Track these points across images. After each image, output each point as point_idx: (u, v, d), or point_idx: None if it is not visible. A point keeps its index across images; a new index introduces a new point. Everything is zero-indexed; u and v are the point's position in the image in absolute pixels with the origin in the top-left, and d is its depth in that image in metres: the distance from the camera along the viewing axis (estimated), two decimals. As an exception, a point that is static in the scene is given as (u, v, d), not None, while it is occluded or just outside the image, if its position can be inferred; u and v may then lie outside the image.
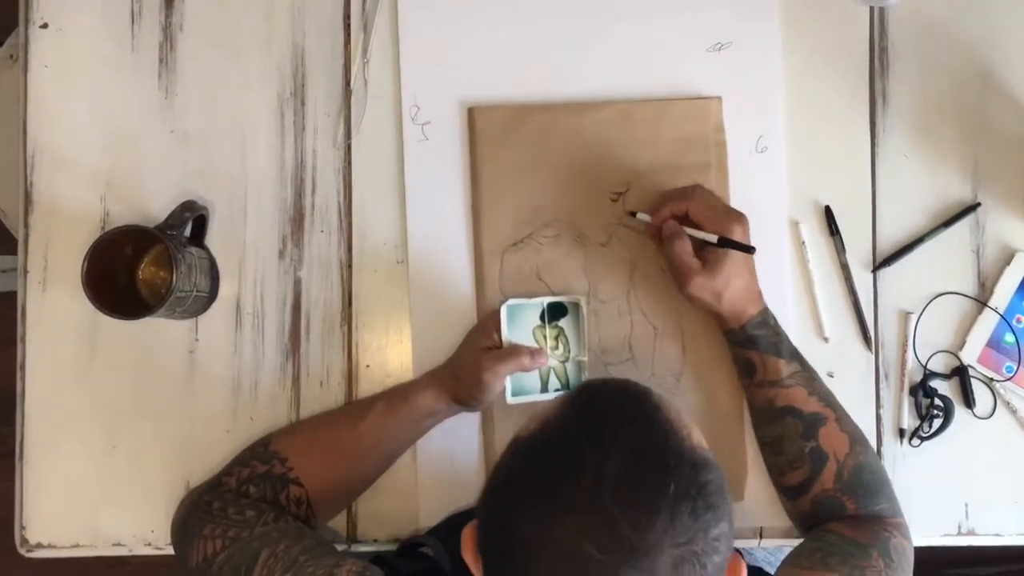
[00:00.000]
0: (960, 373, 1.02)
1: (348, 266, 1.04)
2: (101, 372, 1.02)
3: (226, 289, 1.03)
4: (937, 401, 1.01)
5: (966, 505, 1.02)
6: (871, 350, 1.03)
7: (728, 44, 1.04)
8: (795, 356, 0.96)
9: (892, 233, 1.04)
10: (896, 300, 1.03)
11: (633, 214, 0.99)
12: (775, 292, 1.01)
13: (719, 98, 1.03)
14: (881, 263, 1.03)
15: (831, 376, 1.02)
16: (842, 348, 1.03)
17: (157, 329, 1.02)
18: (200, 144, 1.04)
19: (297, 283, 1.03)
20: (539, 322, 0.97)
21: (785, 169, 1.04)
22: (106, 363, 1.02)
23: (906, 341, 1.03)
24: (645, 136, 1.02)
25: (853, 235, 1.03)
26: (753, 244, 0.92)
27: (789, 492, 0.96)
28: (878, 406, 1.03)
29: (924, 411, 1.01)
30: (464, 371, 0.94)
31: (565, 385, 0.98)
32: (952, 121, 1.04)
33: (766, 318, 0.96)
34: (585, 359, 0.99)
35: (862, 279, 1.03)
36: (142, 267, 1.02)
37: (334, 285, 1.03)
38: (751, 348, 0.95)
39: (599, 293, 1.02)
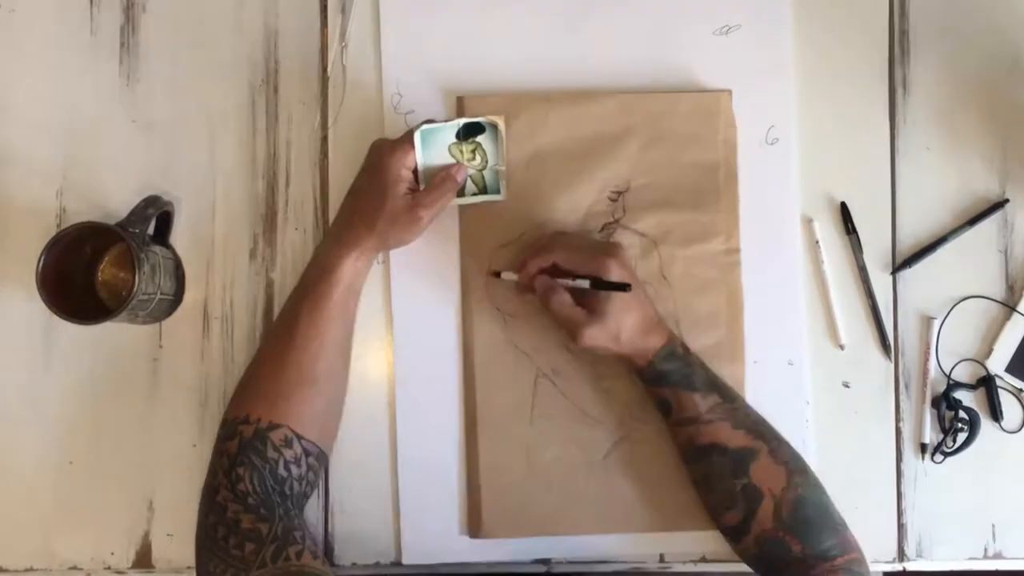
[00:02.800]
0: (986, 383, 1.01)
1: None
2: (57, 381, 1.01)
3: (193, 292, 1.02)
4: (962, 414, 1.00)
5: (993, 526, 1.01)
6: (890, 358, 1.02)
7: (736, 27, 1.04)
8: (713, 386, 0.94)
9: (913, 232, 1.03)
10: (917, 304, 1.03)
11: (497, 274, 0.98)
12: (786, 295, 1.01)
13: (729, 91, 1.02)
14: (901, 264, 1.03)
15: (847, 386, 1.02)
16: (859, 356, 1.02)
17: (118, 335, 1.01)
18: (165, 135, 1.03)
19: (269, 285, 1.02)
20: (455, 140, 0.97)
21: (797, 163, 1.03)
22: (62, 371, 1.01)
23: (928, 349, 1.02)
24: (648, 131, 1.02)
25: (871, 234, 1.03)
26: (628, 280, 0.92)
27: (729, 533, 0.94)
28: (898, 419, 1.02)
29: (947, 424, 1.01)
30: (394, 219, 0.94)
31: (482, 190, 1.00)
32: (978, 111, 1.04)
33: (673, 349, 0.94)
34: (503, 168, 0.99)
35: (881, 281, 1.03)
36: (101, 268, 1.01)
37: None
38: (663, 384, 0.94)
39: None
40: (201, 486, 0.91)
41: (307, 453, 0.92)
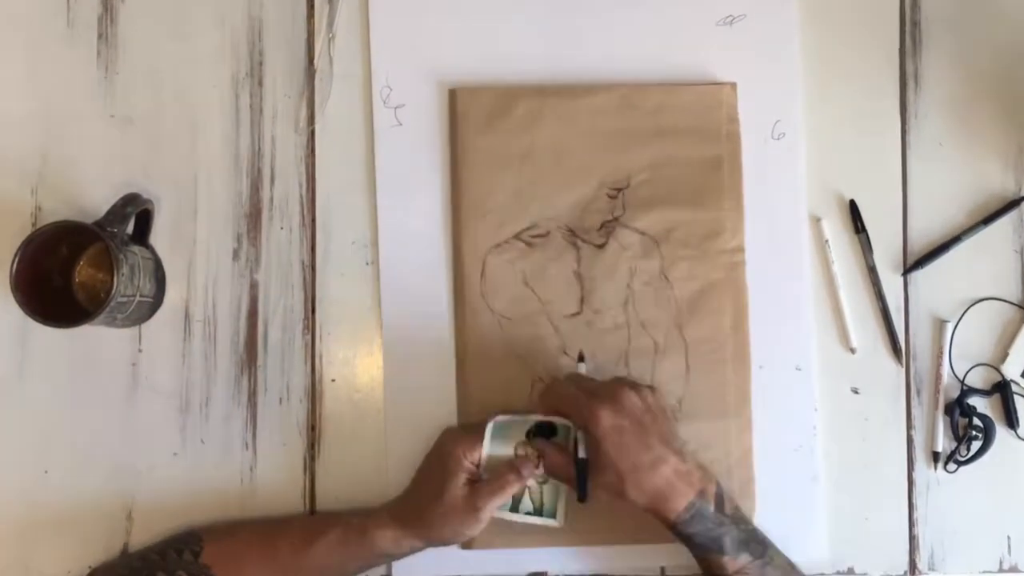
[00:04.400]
0: (1002, 389, 1.01)
1: (311, 268, 1.02)
2: (32, 386, 1.01)
3: (173, 293, 1.02)
4: (976, 421, 1.00)
5: (1008, 538, 1.01)
6: (901, 363, 1.02)
7: (740, 17, 1.03)
8: (744, 545, 0.90)
9: (925, 231, 1.03)
10: (930, 306, 1.03)
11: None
12: (793, 297, 1.02)
13: (733, 84, 1.02)
14: (913, 265, 1.03)
15: (856, 392, 1.01)
16: (869, 360, 1.02)
17: (95, 338, 1.00)
18: (144, 130, 1.03)
19: (254, 287, 1.02)
20: (524, 438, 0.94)
21: (805, 159, 1.03)
22: (37, 376, 1.01)
23: (941, 353, 1.02)
24: (648, 125, 1.02)
25: (881, 233, 1.03)
26: (585, 456, 0.89)
27: None
28: (909, 426, 1.02)
29: (961, 432, 1.01)
30: (451, 512, 0.91)
31: (538, 510, 0.95)
32: (993, 104, 1.04)
33: (703, 506, 0.89)
34: (565, 486, 0.94)
35: (891, 283, 1.03)
36: (79, 268, 1.00)
37: (295, 289, 1.02)
38: (690, 544, 0.90)
39: (593, 302, 1.01)
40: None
41: None
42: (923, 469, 1.01)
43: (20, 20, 1.03)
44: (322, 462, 1.00)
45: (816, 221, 1.02)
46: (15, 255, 0.92)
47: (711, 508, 0.89)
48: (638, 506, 0.89)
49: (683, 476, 0.89)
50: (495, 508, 0.91)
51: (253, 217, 1.02)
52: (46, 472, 1.00)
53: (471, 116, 1.01)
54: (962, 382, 1.01)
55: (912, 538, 1.01)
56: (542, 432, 0.94)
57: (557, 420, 0.93)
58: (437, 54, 1.02)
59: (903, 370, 1.02)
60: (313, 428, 1.01)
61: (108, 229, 0.94)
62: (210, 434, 1.00)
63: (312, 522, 0.97)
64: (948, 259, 1.02)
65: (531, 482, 0.94)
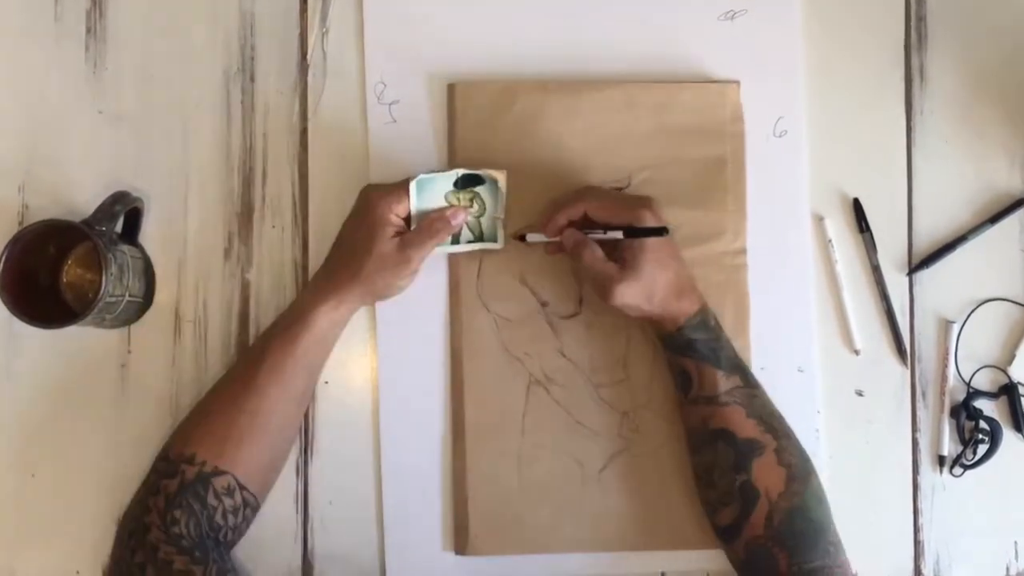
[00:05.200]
0: (1009, 392, 1.01)
1: (304, 267, 1.02)
2: (19, 389, 1.00)
3: (163, 293, 1.02)
4: (982, 424, 1.00)
5: (1016, 544, 1.02)
6: (906, 365, 1.02)
7: (742, 12, 1.03)
8: (736, 367, 0.94)
9: (931, 230, 1.03)
10: (935, 307, 1.03)
11: (522, 237, 0.98)
12: (796, 297, 1.02)
13: (737, 83, 1.02)
14: (918, 264, 1.03)
15: (860, 394, 1.02)
16: (873, 362, 1.02)
17: (84, 339, 1.00)
18: (134, 126, 1.02)
19: (245, 287, 1.02)
20: (452, 188, 0.97)
21: (807, 156, 1.03)
22: (24, 378, 1.00)
23: (946, 354, 1.02)
24: (651, 123, 1.02)
25: (886, 232, 1.03)
26: (666, 225, 0.92)
27: (721, 533, 0.93)
28: (914, 429, 1.02)
29: (967, 435, 1.01)
30: (382, 262, 0.93)
31: (478, 237, 0.99)
32: (1001, 100, 1.04)
33: (705, 317, 0.94)
34: (502, 217, 0.99)
35: (896, 283, 1.03)
36: (66, 268, 1.00)
37: (288, 289, 1.01)
38: (688, 355, 0.94)
39: (592, 304, 1.00)
40: None
41: (246, 504, 0.92)
42: (928, 473, 1.01)
43: (6, 14, 1.02)
44: (315, 465, 0.99)
45: (819, 220, 1.02)
46: (1, 255, 0.91)
47: (712, 321, 0.94)
48: (654, 311, 0.92)
49: (693, 286, 0.95)
50: (425, 255, 0.94)
51: (245, 215, 1.02)
52: (33, 476, 1.00)
53: (469, 112, 1.00)
54: (968, 384, 1.01)
55: (917, 544, 1.01)
56: (467, 184, 0.97)
57: (483, 172, 0.97)
58: (433, 49, 1.02)
59: (908, 372, 1.02)
60: (306, 431, 1.00)
61: (96, 228, 0.94)
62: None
63: (249, 351, 0.98)
64: (954, 259, 1.02)
65: (468, 218, 0.98)
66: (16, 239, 0.92)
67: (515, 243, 0.99)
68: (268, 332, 0.96)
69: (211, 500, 0.90)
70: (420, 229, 0.94)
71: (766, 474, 0.90)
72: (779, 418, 0.94)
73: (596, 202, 0.94)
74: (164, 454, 0.93)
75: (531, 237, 0.97)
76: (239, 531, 0.93)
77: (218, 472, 0.90)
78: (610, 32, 1.03)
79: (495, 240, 0.99)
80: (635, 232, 0.91)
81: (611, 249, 0.93)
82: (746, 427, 0.92)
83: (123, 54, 1.02)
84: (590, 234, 0.93)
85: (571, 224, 0.95)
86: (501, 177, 0.98)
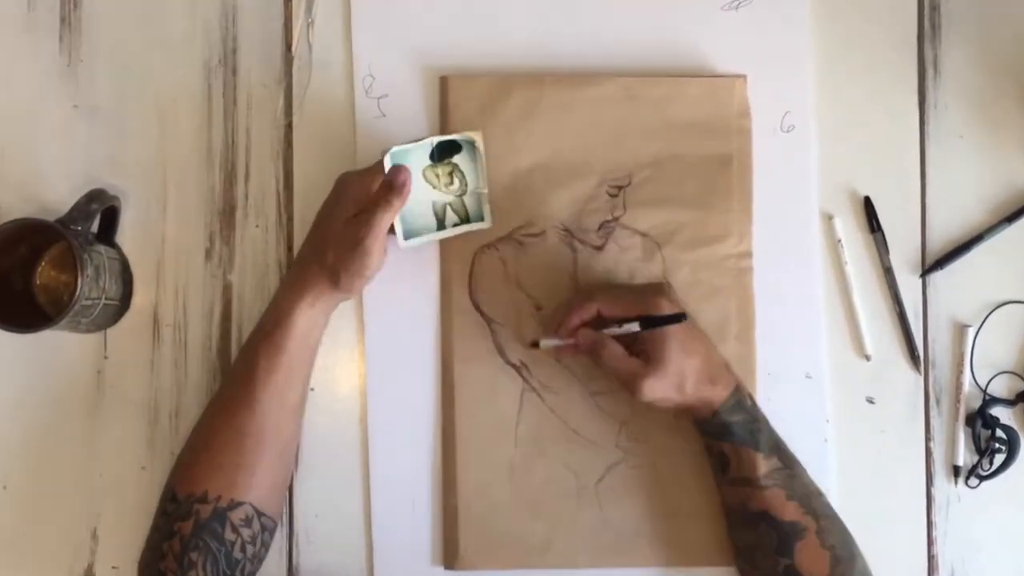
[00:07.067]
0: None
1: (288, 268, 1.02)
2: None
3: (141, 296, 1.02)
4: (999, 432, 1.00)
5: None
6: (920, 371, 1.02)
7: (747, 1, 1.03)
8: (775, 448, 0.94)
9: (945, 230, 1.03)
10: (950, 310, 1.03)
11: (535, 344, 0.97)
12: (804, 300, 1.02)
13: (743, 77, 1.02)
14: (932, 266, 1.02)
15: (871, 402, 1.02)
16: (885, 368, 1.02)
17: (58, 344, 1.00)
18: (110, 121, 1.03)
19: (227, 289, 1.02)
20: (429, 162, 0.97)
21: (816, 153, 1.03)
22: None
23: (962, 360, 1.02)
24: (653, 119, 1.01)
25: (898, 232, 1.03)
26: (682, 311, 0.92)
27: None
28: (928, 438, 1.02)
29: (983, 445, 1.00)
30: (339, 248, 0.91)
31: (464, 219, 0.99)
32: (1018, 94, 1.04)
33: (740, 399, 0.94)
34: (485, 191, 0.99)
35: (909, 285, 1.02)
36: (40, 270, 1.01)
37: (272, 292, 1.01)
38: (726, 439, 0.93)
39: None
40: (147, 517, 0.91)
41: (264, 529, 0.92)
42: (943, 484, 1.01)
43: (-25, 4, 1.03)
44: (300, 475, 0.99)
45: (828, 219, 1.02)
46: (-29, 256, 0.92)
47: (748, 401, 0.94)
48: (687, 401, 0.92)
49: (725, 367, 0.95)
50: (379, 234, 0.90)
51: (227, 214, 1.02)
52: (4, 488, 1.00)
53: (463, 106, 1.01)
54: (984, 391, 1.01)
55: (931, 558, 1.00)
56: (443, 152, 0.97)
57: (457, 136, 0.97)
58: (424, 40, 1.02)
59: (921, 378, 1.02)
60: (291, 440, 1.01)
61: (71, 227, 0.94)
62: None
63: (236, 370, 0.96)
64: (969, 259, 1.02)
65: (450, 197, 0.97)
66: (-14, 240, 0.93)
67: (513, 243, 1.00)
68: (251, 341, 0.95)
69: (228, 535, 0.90)
70: (364, 210, 0.91)
71: (809, 558, 0.91)
72: (819, 497, 0.94)
73: (608, 298, 0.94)
74: (171, 494, 0.92)
75: (544, 343, 0.96)
76: (258, 558, 0.93)
77: (234, 504, 0.90)
78: (610, 23, 1.03)
79: (482, 219, 0.98)
80: (652, 322, 0.91)
81: (630, 343, 0.93)
82: (787, 510, 0.91)
83: (99, 45, 1.03)
84: (606, 331, 0.93)
85: (585, 325, 0.94)
86: (478, 137, 0.97)
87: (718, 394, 0.92)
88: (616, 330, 0.93)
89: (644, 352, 0.92)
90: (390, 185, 0.91)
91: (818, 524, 0.92)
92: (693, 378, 0.91)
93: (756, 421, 0.94)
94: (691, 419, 0.96)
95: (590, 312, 0.94)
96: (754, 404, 0.94)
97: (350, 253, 0.90)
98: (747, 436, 0.93)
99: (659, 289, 0.94)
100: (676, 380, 0.91)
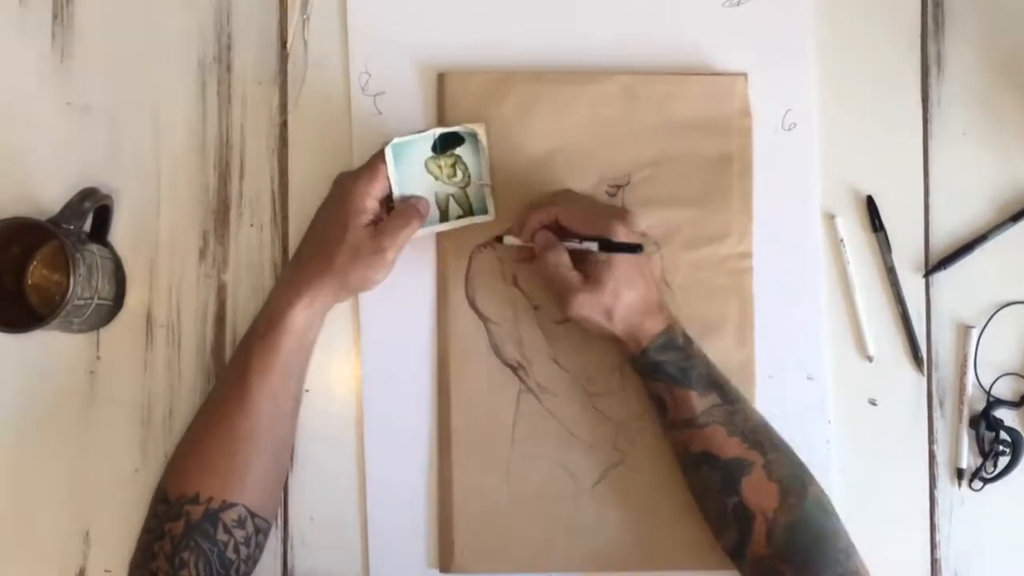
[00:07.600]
0: None
1: (283, 268, 1.01)
2: None
3: (134, 296, 1.02)
4: (1003, 435, 1.00)
5: None
6: (923, 372, 1.02)
7: None
8: (711, 384, 0.94)
9: (949, 229, 1.03)
10: (953, 311, 1.03)
11: (499, 239, 0.98)
12: (805, 301, 1.02)
13: (744, 75, 1.02)
14: (935, 266, 1.02)
15: (873, 404, 1.02)
16: (887, 369, 1.02)
17: (50, 345, 1.00)
18: (103, 119, 1.02)
19: (221, 289, 1.02)
20: (431, 154, 0.98)
21: (818, 151, 1.03)
22: None
23: (965, 361, 1.02)
24: (653, 118, 1.01)
25: (901, 231, 1.03)
26: (640, 241, 0.92)
27: (729, 555, 0.94)
28: (931, 441, 1.02)
29: (987, 447, 1.00)
30: (356, 253, 0.93)
31: (468, 211, 1.00)
32: (1022, 91, 1.03)
33: (672, 337, 0.94)
34: (489, 184, 0.99)
35: (912, 285, 1.03)
36: (31, 269, 1.00)
37: (266, 292, 1.00)
38: (657, 378, 0.94)
39: None
40: (140, 520, 0.92)
41: (258, 531, 0.92)
42: (946, 487, 1.01)
43: (-33, 1, 1.03)
44: (295, 477, 0.99)
45: (830, 219, 1.02)
46: (-38, 256, 0.92)
47: (680, 339, 0.94)
48: (615, 330, 0.93)
49: (660, 306, 0.94)
50: (401, 245, 0.94)
51: (221, 213, 1.02)
52: None
53: (460, 104, 1.00)
54: (988, 393, 1.01)
55: (934, 561, 1.00)
56: (445, 144, 0.98)
57: (460, 127, 0.98)
58: (421, 36, 1.02)
59: (924, 380, 1.02)
60: (285, 442, 1.01)
61: (64, 226, 0.94)
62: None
63: (230, 370, 0.96)
64: (973, 259, 1.02)
65: (453, 189, 0.99)
66: (-22, 239, 0.93)
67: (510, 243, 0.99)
68: (245, 342, 0.95)
69: (221, 536, 0.90)
70: (394, 217, 0.94)
71: (757, 492, 0.90)
72: (766, 430, 0.94)
73: (570, 208, 0.94)
74: (162, 496, 0.92)
75: (507, 239, 0.97)
76: (252, 559, 0.93)
77: (227, 506, 0.90)
78: (609, 19, 1.03)
79: (485, 212, 0.99)
80: (611, 246, 0.91)
81: (580, 260, 0.93)
82: (729, 446, 0.92)
83: (92, 42, 1.02)
84: (564, 241, 0.94)
85: (545, 228, 0.95)
86: (480, 130, 0.98)
87: (647, 330, 0.93)
88: (574, 244, 0.93)
89: (586, 270, 0.92)
90: (415, 210, 0.95)
91: (765, 458, 0.91)
92: (624, 309, 0.92)
93: (688, 359, 0.93)
94: (624, 356, 0.96)
95: (550, 216, 0.94)
96: (689, 343, 0.94)
97: (369, 259, 0.92)
98: (678, 374, 0.93)
99: (621, 214, 0.93)
100: (607, 304, 0.91)
